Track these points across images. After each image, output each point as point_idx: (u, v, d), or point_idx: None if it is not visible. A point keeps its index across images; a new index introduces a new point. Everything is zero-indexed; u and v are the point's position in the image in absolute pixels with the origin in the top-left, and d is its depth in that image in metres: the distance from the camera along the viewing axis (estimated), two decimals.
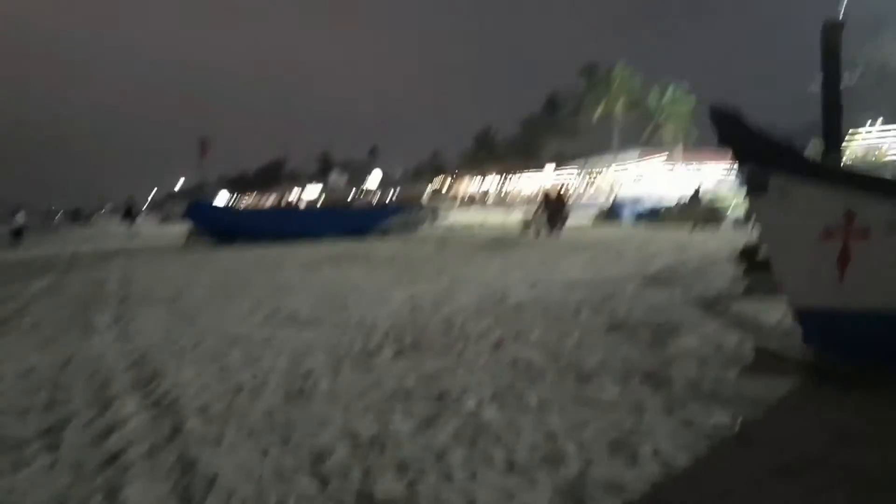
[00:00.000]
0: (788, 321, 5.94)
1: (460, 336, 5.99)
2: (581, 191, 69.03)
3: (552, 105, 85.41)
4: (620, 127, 73.73)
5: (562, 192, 23.25)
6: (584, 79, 77.75)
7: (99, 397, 4.46)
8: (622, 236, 20.38)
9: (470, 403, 4.07)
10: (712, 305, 7.05)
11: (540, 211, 21.98)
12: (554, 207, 21.49)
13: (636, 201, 33.09)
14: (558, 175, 79.18)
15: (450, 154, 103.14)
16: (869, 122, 52.80)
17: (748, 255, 8.13)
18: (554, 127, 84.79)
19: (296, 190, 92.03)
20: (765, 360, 4.67)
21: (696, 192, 26.61)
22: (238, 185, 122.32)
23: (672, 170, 68.91)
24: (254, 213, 28.18)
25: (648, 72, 74.33)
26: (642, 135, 75.11)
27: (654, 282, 9.00)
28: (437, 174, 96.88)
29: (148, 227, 41.21)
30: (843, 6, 5.11)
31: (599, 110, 74.01)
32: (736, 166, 4.01)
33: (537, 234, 21.00)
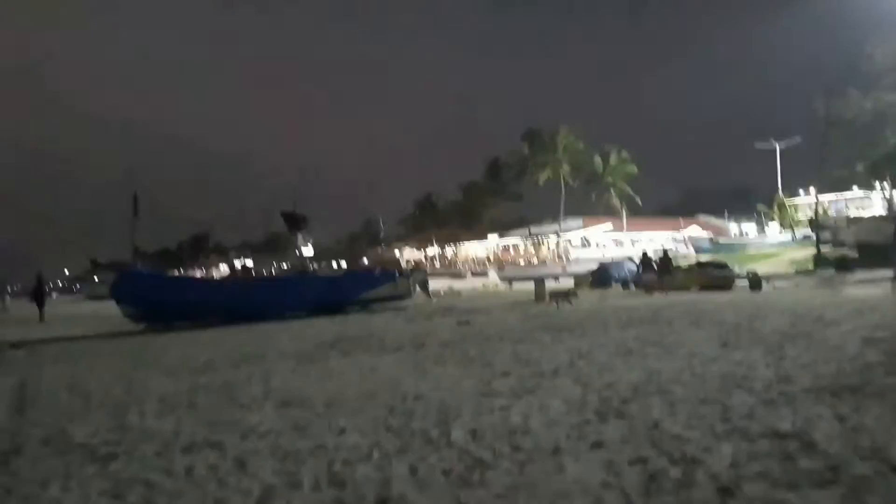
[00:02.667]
0: None
1: None
2: (532, 258, 66.78)
3: (495, 170, 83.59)
4: (566, 191, 72.40)
5: (667, 256, 22.92)
6: (527, 144, 76.43)
7: None
8: (654, 304, 16.94)
9: None
10: None
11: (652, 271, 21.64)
12: (662, 268, 21.58)
13: (625, 263, 30.12)
14: (504, 242, 76.99)
15: (388, 221, 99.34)
16: None
17: None
18: (497, 192, 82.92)
19: (223, 265, 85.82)
20: None
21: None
22: (161, 259, 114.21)
23: (618, 237, 67.83)
24: (205, 285, 22.37)
25: (589, 137, 73.80)
26: (588, 199, 74.12)
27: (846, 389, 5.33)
28: (374, 242, 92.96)
29: (64, 308, 35.12)
30: None
31: (545, 175, 72.52)
32: None
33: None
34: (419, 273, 21.61)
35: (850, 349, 7.17)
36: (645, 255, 22.56)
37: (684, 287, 23.70)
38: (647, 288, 21.53)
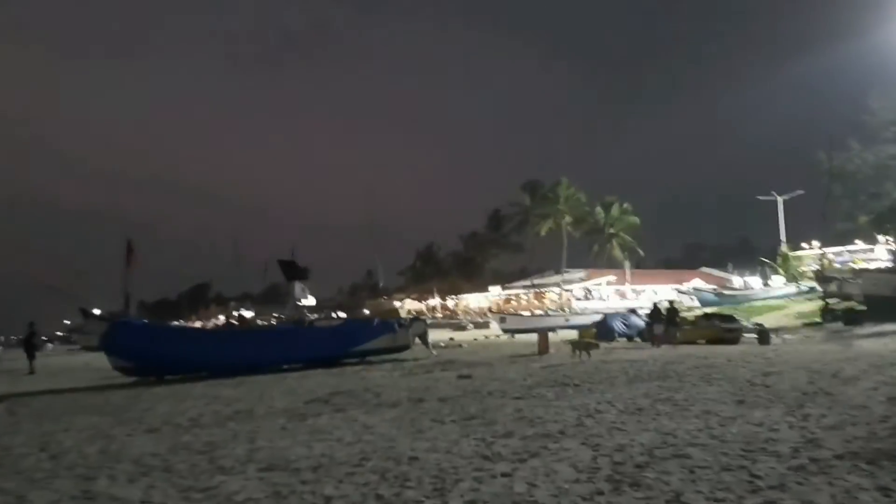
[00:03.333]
0: None
1: None
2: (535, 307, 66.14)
3: (496, 221, 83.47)
4: (567, 243, 71.94)
5: (673, 307, 22.87)
6: (528, 195, 76.26)
7: None
8: (661, 357, 16.40)
9: None
10: None
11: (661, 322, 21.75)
12: (668, 320, 21.54)
13: (629, 315, 29.51)
14: (507, 293, 76.32)
15: (387, 272, 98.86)
16: None
17: None
18: (499, 243, 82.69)
19: (221, 316, 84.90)
20: None
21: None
22: (160, 310, 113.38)
23: (620, 289, 67.16)
24: (198, 336, 21.64)
25: (588, 189, 73.61)
26: (590, 250, 73.72)
27: None
28: (375, 293, 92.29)
29: (57, 359, 34.48)
30: None
31: (546, 226, 72.05)
32: None
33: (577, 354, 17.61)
34: (419, 324, 20.98)
35: (876, 409, 6.71)
36: (655, 306, 22.15)
37: (691, 340, 23.12)
38: (654, 340, 21.14)
